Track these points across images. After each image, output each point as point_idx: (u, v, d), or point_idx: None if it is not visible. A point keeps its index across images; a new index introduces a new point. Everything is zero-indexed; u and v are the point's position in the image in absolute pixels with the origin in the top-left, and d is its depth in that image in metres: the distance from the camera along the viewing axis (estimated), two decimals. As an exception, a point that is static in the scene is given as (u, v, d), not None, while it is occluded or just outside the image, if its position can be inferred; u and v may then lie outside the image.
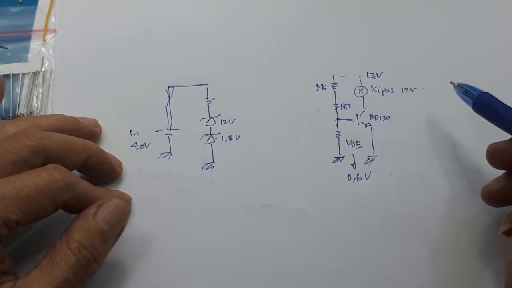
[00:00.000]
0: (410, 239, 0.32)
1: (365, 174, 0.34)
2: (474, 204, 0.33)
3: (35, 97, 0.36)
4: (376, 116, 0.36)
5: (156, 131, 0.35)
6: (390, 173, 0.34)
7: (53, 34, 0.38)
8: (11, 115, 0.35)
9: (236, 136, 0.35)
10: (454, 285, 0.31)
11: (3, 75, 0.36)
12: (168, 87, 0.36)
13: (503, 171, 0.30)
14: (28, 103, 0.35)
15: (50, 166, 0.26)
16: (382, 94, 0.37)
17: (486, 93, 0.30)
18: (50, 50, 0.38)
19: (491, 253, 0.32)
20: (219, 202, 0.32)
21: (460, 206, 0.33)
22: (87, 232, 0.26)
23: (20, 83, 0.36)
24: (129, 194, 0.32)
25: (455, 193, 0.34)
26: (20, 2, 0.40)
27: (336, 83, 0.37)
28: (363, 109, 0.36)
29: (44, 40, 0.38)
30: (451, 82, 0.34)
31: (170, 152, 0.34)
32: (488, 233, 0.32)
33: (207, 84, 0.37)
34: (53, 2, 0.40)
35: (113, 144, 0.34)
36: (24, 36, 0.38)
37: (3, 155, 0.27)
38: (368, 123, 0.36)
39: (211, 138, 0.35)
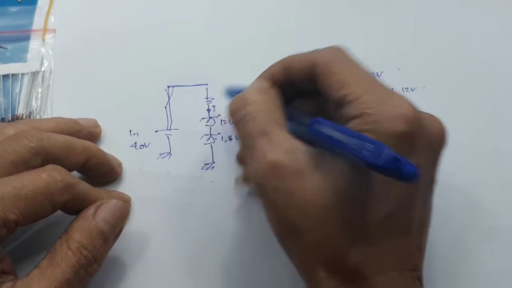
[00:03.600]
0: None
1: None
2: (474, 204, 0.33)
3: (34, 97, 0.36)
4: (377, 116, 0.36)
5: (156, 131, 0.35)
6: (390, 173, 0.34)
7: (53, 34, 0.38)
8: (10, 115, 0.35)
9: (236, 136, 0.35)
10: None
11: (2, 75, 0.36)
12: (168, 87, 0.36)
13: None
14: (28, 103, 0.35)
15: (49, 166, 0.26)
16: (382, 94, 0.37)
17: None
18: (50, 50, 0.38)
19: (491, 253, 0.32)
20: (219, 203, 0.32)
21: (460, 206, 0.33)
22: (87, 233, 0.26)
23: (19, 83, 0.36)
24: (129, 194, 0.32)
25: (455, 193, 0.34)
26: (19, 2, 0.40)
27: (336, 83, 0.37)
28: (364, 109, 0.36)
29: (44, 40, 0.38)
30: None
31: (170, 152, 0.34)
32: (488, 233, 0.32)
33: (207, 84, 0.37)
34: (52, 2, 0.40)
35: (112, 144, 0.34)
36: (23, 36, 0.38)
37: (2, 155, 0.27)
38: (369, 122, 0.36)
39: (211, 138, 0.35)
